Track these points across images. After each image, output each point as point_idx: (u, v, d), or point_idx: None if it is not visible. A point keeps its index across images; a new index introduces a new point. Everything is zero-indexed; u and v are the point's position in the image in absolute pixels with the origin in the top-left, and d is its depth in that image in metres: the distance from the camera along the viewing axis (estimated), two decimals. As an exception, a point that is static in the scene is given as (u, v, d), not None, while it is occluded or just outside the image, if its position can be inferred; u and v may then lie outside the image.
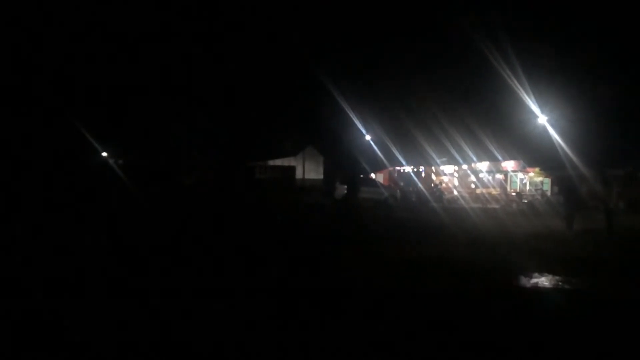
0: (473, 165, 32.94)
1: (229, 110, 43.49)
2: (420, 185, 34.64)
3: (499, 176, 31.31)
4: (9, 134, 27.19)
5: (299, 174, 46.63)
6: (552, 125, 20.03)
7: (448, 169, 36.23)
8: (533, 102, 18.90)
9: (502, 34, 18.75)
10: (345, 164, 21.13)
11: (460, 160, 33.44)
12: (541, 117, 20.38)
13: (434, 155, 36.07)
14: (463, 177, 35.61)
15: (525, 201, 24.47)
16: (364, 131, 39.22)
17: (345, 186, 26.81)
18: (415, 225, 14.51)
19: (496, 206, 26.50)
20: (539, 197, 25.17)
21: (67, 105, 30.42)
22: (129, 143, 45.58)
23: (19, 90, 26.90)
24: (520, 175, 29.42)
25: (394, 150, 40.61)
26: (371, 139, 38.18)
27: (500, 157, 28.96)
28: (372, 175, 37.77)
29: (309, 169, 48.14)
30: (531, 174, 28.13)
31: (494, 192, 30.76)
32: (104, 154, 44.10)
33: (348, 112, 38.92)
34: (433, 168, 37.96)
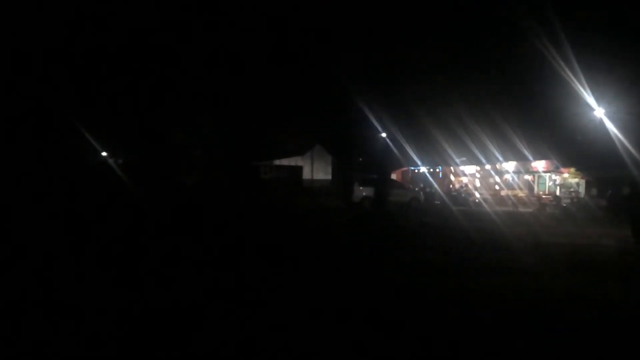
0: (498, 165, 30.61)
1: (231, 106, 41.12)
2: (436, 186, 32.41)
3: (528, 177, 28.97)
4: (5, 133, 25.66)
5: (306, 174, 44.34)
6: (610, 119, 17.59)
7: (469, 169, 33.92)
8: (587, 93, 16.47)
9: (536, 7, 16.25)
10: (374, 163, 18.73)
11: (483, 160, 31.08)
12: (598, 110, 17.97)
13: (453, 155, 33.74)
14: (485, 178, 33.33)
15: (564, 205, 22.15)
16: (376, 128, 36.91)
17: (362, 188, 24.49)
18: (477, 237, 12.04)
19: (528, 210, 24.20)
20: (575, 200, 22.90)
21: (65, 103, 28.54)
22: (129, 142, 43.32)
23: (15, 88, 25.16)
24: (552, 176, 27.08)
25: (407, 149, 38.23)
26: (386, 137, 35.80)
27: (530, 157, 26.58)
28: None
29: (317, 169, 45.81)
30: (565, 175, 25.78)
31: (520, 194, 28.46)
32: (104, 153, 41.95)
33: (360, 107, 36.52)
34: (452, 168, 35.67)
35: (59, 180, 24.60)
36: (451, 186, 35.78)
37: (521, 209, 24.44)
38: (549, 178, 27.60)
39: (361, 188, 24.37)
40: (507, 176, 30.68)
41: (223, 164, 43.03)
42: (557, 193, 27.57)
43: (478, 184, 33.23)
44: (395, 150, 39.25)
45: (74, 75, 28.29)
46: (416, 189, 28.81)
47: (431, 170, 38.49)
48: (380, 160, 18.61)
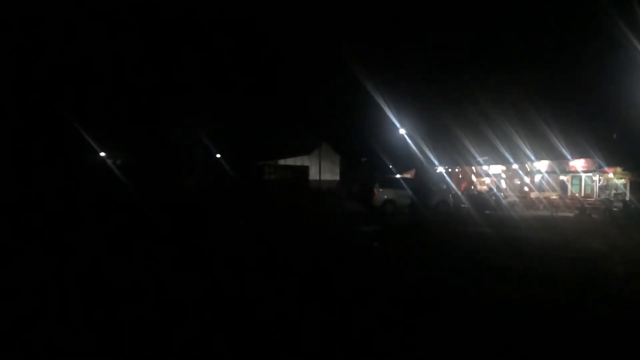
0: (528, 164, 27.78)
1: (234, 103, 38.49)
2: (454, 187, 29.65)
3: (563, 177, 26.14)
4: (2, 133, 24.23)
5: (313, 175, 41.61)
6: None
7: (493, 169, 31.11)
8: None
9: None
10: (408, 162, 15.89)
11: (511, 159, 28.26)
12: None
13: (475, 153, 30.95)
14: (512, 179, 30.53)
15: (615, 209, 19.41)
16: (393, 125, 34.30)
17: (382, 190, 21.66)
18: (561, 254, 9.35)
19: (567, 215, 21.46)
20: (628, 203, 20.11)
21: (63, 103, 27.31)
22: (127, 142, 41.01)
23: (14, 88, 24.12)
24: (593, 176, 24.25)
25: (424, 147, 35.51)
26: (405, 134, 33.08)
27: (568, 155, 23.76)
28: (397, 176, 32.66)
29: (324, 169, 43.01)
30: (609, 175, 22.97)
31: (553, 196, 25.64)
32: (102, 154, 39.52)
33: (374, 102, 33.82)
34: (473, 168, 32.86)
35: (55, 180, 23.81)
36: (472, 187, 33.06)
37: (563, 213, 21.70)
38: (590, 179, 24.75)
39: (381, 190, 21.54)
40: (538, 177, 27.86)
41: (225, 164, 40.41)
42: (596, 195, 24.80)
43: (504, 185, 30.45)
44: (402, 148, 36.33)
45: (72, 74, 26.47)
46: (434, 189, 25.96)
47: (449, 170, 35.72)
48: (414, 159, 15.61)
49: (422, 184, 23.44)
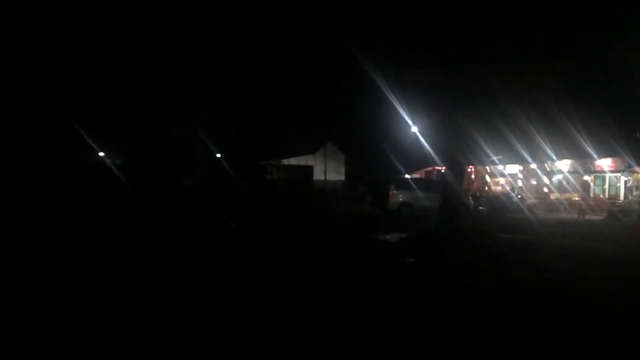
0: (547, 164, 26.26)
1: (236, 102, 37.00)
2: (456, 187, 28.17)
3: (587, 178, 24.63)
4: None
5: (318, 175, 40.11)
6: None
7: (510, 168, 29.59)
8: None
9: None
10: (445, 157, 14.22)
11: (529, 158, 26.71)
12: None
13: (490, 152, 29.38)
14: (529, 179, 29.02)
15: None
16: (401, 123, 32.70)
17: (397, 191, 20.14)
18: None
19: (595, 217, 20.01)
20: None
21: (62, 102, 26.44)
22: (126, 141, 39.58)
23: (9, 86, 23.20)
24: (623, 176, 22.74)
25: (435, 146, 33.90)
26: (417, 132, 31.52)
27: (594, 154, 22.22)
28: (407, 176, 31.18)
29: (329, 169, 41.44)
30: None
31: (575, 197, 24.17)
32: (101, 153, 38.19)
33: (380, 100, 32.29)
34: (487, 168, 31.33)
35: (54, 180, 23.66)
36: (486, 187, 31.57)
37: (590, 216, 20.21)
38: (615, 179, 23.25)
39: (396, 192, 20.03)
40: (559, 177, 26.34)
41: (226, 163, 38.96)
42: (622, 196, 23.30)
43: (520, 185, 28.95)
44: (409, 146, 34.66)
45: (71, 73, 25.33)
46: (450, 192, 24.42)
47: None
48: (448, 155, 13.86)
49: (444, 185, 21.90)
